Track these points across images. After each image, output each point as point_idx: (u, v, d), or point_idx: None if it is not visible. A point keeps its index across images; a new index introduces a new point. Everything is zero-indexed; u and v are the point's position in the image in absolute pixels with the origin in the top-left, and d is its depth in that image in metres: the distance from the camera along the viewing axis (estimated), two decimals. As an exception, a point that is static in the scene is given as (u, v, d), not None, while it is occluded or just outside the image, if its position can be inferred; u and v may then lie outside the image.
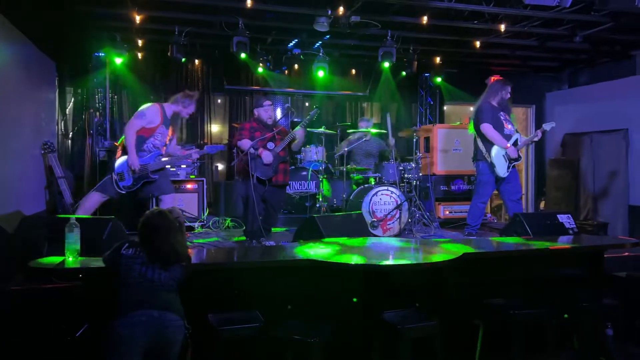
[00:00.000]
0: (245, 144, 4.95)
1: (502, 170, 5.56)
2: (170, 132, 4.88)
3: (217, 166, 8.20)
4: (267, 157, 4.94)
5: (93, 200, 4.79)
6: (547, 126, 5.66)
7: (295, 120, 8.17)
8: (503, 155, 5.57)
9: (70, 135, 7.39)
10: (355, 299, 3.30)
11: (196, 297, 2.91)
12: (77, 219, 3.13)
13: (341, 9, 5.86)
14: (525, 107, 9.43)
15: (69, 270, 2.93)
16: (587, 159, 8.11)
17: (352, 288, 3.29)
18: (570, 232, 4.50)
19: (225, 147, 5.07)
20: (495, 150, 5.55)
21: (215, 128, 8.22)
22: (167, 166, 4.87)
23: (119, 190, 4.69)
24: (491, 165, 5.58)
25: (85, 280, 3.08)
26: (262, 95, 7.67)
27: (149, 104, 4.88)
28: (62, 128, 7.30)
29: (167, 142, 4.87)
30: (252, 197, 4.81)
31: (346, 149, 6.45)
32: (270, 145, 5.03)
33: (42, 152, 5.99)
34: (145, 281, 2.62)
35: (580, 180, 8.23)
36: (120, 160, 4.68)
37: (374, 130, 6.78)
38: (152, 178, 4.74)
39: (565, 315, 3.57)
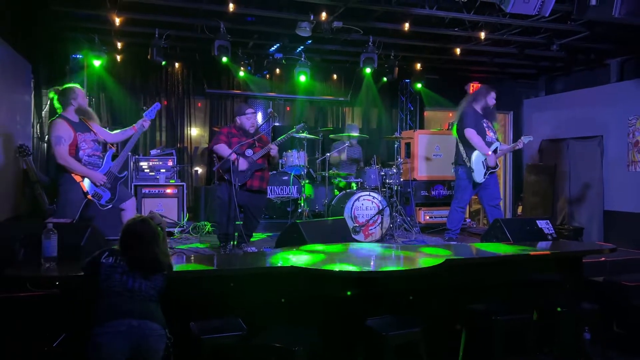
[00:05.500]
0: (221, 148, 4.92)
1: (479, 176, 5.62)
2: (92, 133, 4.47)
3: (197, 170, 8.11)
4: (242, 164, 4.92)
5: None
6: (525, 139, 5.76)
7: (277, 124, 8.15)
8: (482, 162, 5.63)
9: (46, 139, 7.21)
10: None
11: (177, 306, 2.86)
12: (54, 224, 3.06)
13: (324, 14, 5.86)
14: (504, 114, 9.58)
15: (45, 278, 2.85)
16: (564, 165, 8.26)
17: (335, 294, 3.28)
18: (550, 237, 4.57)
19: (159, 105, 4.79)
20: (475, 155, 5.61)
21: (195, 132, 8.13)
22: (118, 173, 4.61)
23: (102, 208, 4.49)
24: (469, 170, 5.64)
25: (63, 288, 3.00)
26: (244, 102, 7.61)
27: (53, 124, 4.34)
28: (38, 131, 7.12)
29: (97, 142, 4.48)
30: (233, 199, 4.76)
31: (336, 153, 6.71)
32: (249, 152, 5.00)
33: (17, 155, 5.84)
34: (125, 291, 2.56)
35: (557, 186, 8.37)
36: (85, 183, 4.36)
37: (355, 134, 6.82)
38: (122, 176, 4.60)
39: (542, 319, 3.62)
